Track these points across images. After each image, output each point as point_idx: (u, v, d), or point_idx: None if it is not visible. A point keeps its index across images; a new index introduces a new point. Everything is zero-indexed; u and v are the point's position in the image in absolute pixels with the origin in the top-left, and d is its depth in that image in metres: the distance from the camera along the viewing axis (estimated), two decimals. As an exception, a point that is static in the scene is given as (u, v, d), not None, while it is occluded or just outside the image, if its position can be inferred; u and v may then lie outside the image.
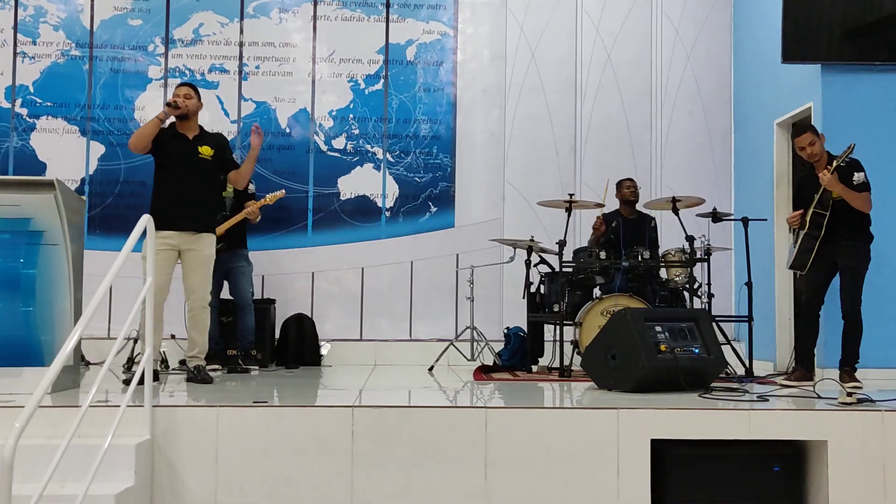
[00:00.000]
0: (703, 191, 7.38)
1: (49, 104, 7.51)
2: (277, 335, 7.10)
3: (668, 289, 6.23)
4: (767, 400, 4.38)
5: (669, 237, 6.77)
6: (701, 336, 5.02)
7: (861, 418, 3.98)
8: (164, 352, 6.09)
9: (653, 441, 3.91)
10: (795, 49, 6.29)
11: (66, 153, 7.46)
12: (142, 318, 4.82)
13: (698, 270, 6.18)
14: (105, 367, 3.47)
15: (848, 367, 5.22)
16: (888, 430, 3.94)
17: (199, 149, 5.23)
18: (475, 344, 6.70)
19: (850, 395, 4.26)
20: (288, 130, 7.65)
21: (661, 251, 6.42)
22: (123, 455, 3.55)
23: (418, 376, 6.01)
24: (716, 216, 6.24)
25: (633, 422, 3.91)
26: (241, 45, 7.66)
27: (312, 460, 3.84)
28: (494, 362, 6.47)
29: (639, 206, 6.81)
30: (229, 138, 7.19)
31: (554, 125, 7.79)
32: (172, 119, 5.21)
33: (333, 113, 7.70)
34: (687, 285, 6.09)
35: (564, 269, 6.11)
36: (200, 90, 7.40)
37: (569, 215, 6.27)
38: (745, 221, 6.19)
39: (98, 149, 7.50)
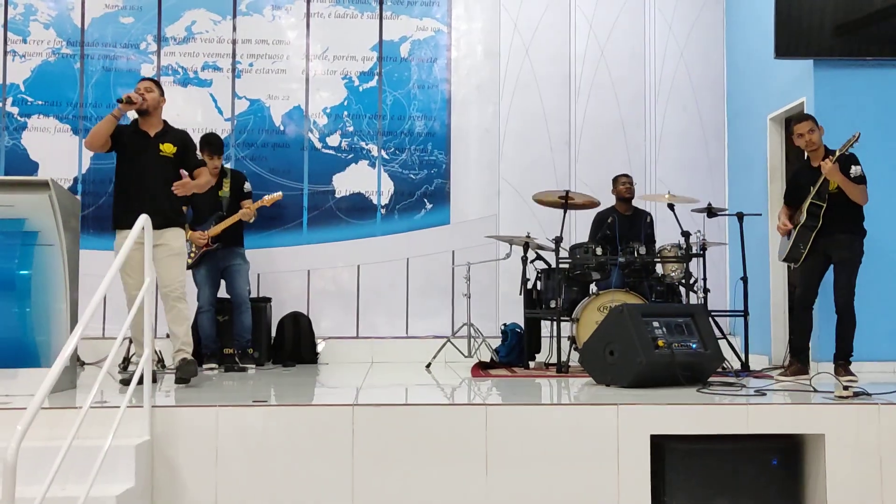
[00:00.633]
0: (698, 186, 7.42)
1: (40, 103, 7.46)
2: (273, 333, 7.09)
3: (664, 284, 6.25)
4: (765, 394, 4.40)
5: (665, 232, 6.79)
6: (698, 331, 5.04)
7: (857, 411, 4.00)
8: (159, 351, 6.07)
9: (652, 436, 3.93)
10: (788, 44, 6.32)
11: (59, 152, 7.42)
12: (136, 319, 4.79)
13: (694, 265, 6.20)
14: (105, 369, 3.47)
15: (842, 360, 5.26)
16: (884, 423, 3.96)
17: (161, 146, 5.08)
18: (472, 340, 6.71)
19: (846, 388, 4.29)
20: (282, 128, 7.63)
21: (656, 247, 6.43)
22: (123, 456, 3.55)
23: (416, 373, 6.01)
24: (711, 211, 6.26)
25: (632, 417, 3.92)
26: (234, 42, 7.64)
27: (313, 459, 3.84)
28: (492, 359, 6.48)
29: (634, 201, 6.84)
30: (223, 136, 7.20)
31: (548, 121, 7.79)
32: (136, 115, 5.09)
33: (328, 110, 7.69)
34: (683, 280, 6.10)
35: (561, 265, 6.12)
36: (193, 88, 7.50)
37: (565, 211, 6.28)
38: (741, 216, 6.21)
39: (91, 147, 7.46)
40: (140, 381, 3.81)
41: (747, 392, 4.47)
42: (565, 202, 6.29)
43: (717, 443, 4.01)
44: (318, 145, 7.66)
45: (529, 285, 6.49)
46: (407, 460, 3.86)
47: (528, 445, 3.88)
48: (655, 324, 4.94)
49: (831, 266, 5.33)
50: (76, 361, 5.24)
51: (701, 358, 4.93)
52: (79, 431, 3.09)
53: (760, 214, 6.81)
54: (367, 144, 7.69)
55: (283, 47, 7.70)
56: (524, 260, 6.37)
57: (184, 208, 5.59)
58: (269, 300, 7.14)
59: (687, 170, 7.81)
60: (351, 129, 7.69)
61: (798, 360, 5.37)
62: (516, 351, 6.45)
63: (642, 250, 6.16)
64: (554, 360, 6.02)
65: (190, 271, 6.09)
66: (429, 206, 7.69)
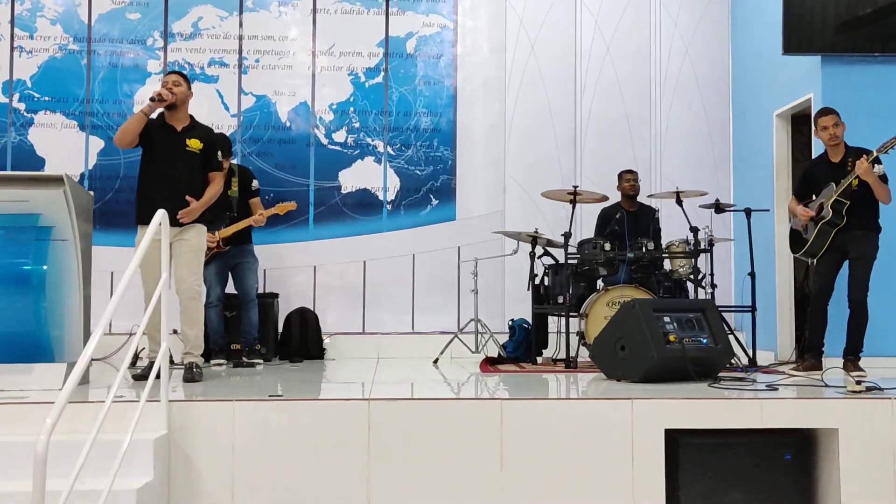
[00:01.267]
0: (703, 182, 7.43)
1: (47, 99, 7.46)
2: (280, 329, 7.10)
3: (672, 280, 6.26)
4: (777, 389, 4.42)
5: (671, 228, 6.81)
6: (708, 326, 5.06)
7: (871, 406, 4.02)
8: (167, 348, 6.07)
9: (666, 431, 3.95)
10: (796, 41, 6.33)
11: (65, 148, 7.41)
12: (152, 315, 4.80)
13: (701, 261, 6.22)
14: (125, 366, 3.49)
15: (852, 356, 5.29)
16: (898, 418, 3.99)
17: (188, 141, 5.04)
18: (479, 336, 6.72)
19: (858, 383, 4.31)
20: (288, 124, 7.64)
21: (664, 242, 6.45)
22: (143, 450, 3.56)
23: (423, 369, 6.03)
24: (718, 207, 6.28)
25: (647, 412, 3.94)
26: (240, 38, 7.63)
27: (329, 454, 3.86)
28: (499, 354, 6.49)
29: (640, 198, 6.86)
30: (228, 132, 7.22)
31: (554, 118, 7.80)
32: (161, 109, 5.05)
33: (334, 106, 7.69)
34: (691, 276, 6.12)
35: (569, 261, 6.14)
36: (199, 85, 7.49)
37: (573, 207, 6.30)
38: (748, 212, 6.23)
39: (97, 143, 7.46)
40: (157, 376, 3.81)
41: (759, 387, 4.49)
42: (574, 198, 6.31)
43: (730, 437, 4.03)
44: (324, 141, 7.66)
45: (537, 281, 6.50)
46: (422, 454, 3.87)
47: (544, 440, 3.90)
48: (666, 319, 4.95)
49: (846, 262, 5.35)
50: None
51: (712, 353, 4.95)
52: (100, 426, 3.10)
53: (768, 210, 6.84)
54: (372, 140, 7.70)
55: (290, 43, 7.69)
56: (532, 255, 6.39)
57: None
58: (276, 296, 7.14)
59: (692, 166, 7.82)
60: (357, 125, 7.69)
61: (812, 356, 5.38)
62: (524, 346, 6.46)
63: (650, 246, 6.18)
64: (561, 355, 6.04)
65: None
66: (435, 202, 7.70)
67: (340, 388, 5.14)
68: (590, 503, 3.87)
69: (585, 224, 7.35)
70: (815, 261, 5.46)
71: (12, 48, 7.44)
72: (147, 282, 4.85)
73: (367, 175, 7.68)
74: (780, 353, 6.81)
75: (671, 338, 4.83)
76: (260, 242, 7.08)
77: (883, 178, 5.26)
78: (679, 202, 6.29)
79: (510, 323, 6.69)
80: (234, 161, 7.05)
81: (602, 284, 6.41)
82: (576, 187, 6.36)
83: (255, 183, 6.57)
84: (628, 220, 6.42)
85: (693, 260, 6.10)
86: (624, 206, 6.76)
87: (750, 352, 6.02)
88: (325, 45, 7.72)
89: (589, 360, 5.55)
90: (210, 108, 7.53)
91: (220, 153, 5.21)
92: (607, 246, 6.16)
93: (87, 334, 4.60)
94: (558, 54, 7.86)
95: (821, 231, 5.35)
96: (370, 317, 7.59)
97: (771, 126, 7.08)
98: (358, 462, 3.86)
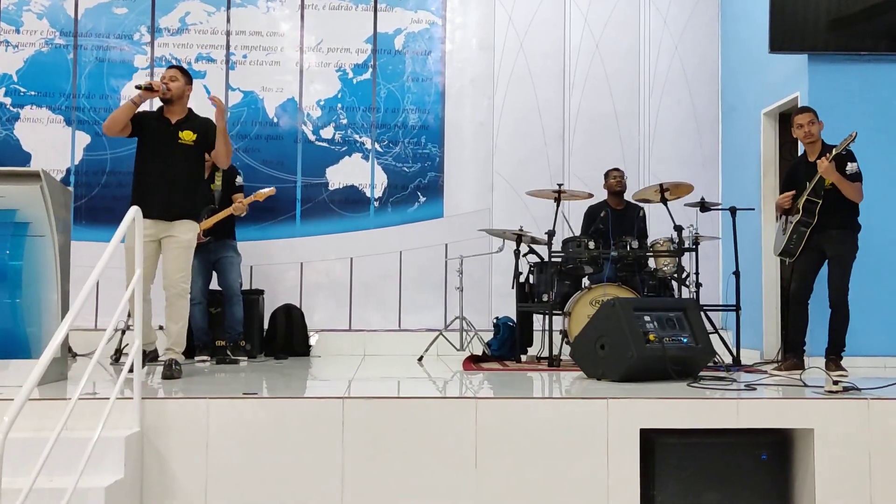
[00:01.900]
0: (691, 180, 7.31)
1: (33, 93, 7.44)
2: (266, 326, 7.08)
3: (656, 278, 6.25)
4: (755, 389, 4.41)
5: (657, 227, 6.80)
6: (689, 325, 5.05)
7: (847, 406, 4.01)
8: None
9: (642, 430, 3.93)
10: (782, 39, 6.31)
11: (52, 143, 7.40)
12: (131, 310, 4.84)
13: (686, 260, 6.20)
14: (94, 359, 3.45)
15: (834, 355, 5.27)
16: (874, 418, 3.98)
17: (180, 133, 5.07)
18: (464, 334, 6.71)
19: (836, 383, 4.30)
20: (276, 120, 7.62)
21: (649, 241, 6.44)
22: (113, 447, 3.54)
23: (408, 366, 6.01)
24: (704, 206, 6.26)
25: (622, 411, 3.92)
26: (227, 34, 7.61)
27: (303, 452, 3.84)
28: (484, 352, 6.48)
29: (627, 196, 6.84)
30: (216, 128, 7.18)
31: (542, 115, 7.79)
32: (155, 99, 5.10)
33: (321, 102, 7.67)
34: (675, 275, 6.11)
35: (553, 259, 6.12)
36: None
37: (558, 205, 6.28)
38: (733, 211, 6.22)
39: (84, 139, 7.44)
40: (130, 371, 3.80)
41: (738, 386, 4.48)
42: (558, 196, 6.29)
43: (706, 437, 4.01)
44: (312, 137, 7.65)
45: (522, 279, 6.49)
46: (397, 453, 3.86)
47: (518, 439, 3.88)
48: (647, 318, 4.94)
49: (825, 261, 5.34)
50: (67, 353, 5.23)
51: (692, 352, 4.94)
52: (68, 423, 3.08)
53: (753, 209, 6.83)
54: (360, 137, 7.68)
55: (277, 39, 7.68)
56: (517, 253, 6.37)
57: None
58: (261, 292, 7.13)
59: (681, 164, 7.80)
60: (345, 121, 7.67)
61: (794, 356, 5.37)
62: (508, 344, 6.45)
63: (635, 244, 6.17)
64: (546, 353, 6.02)
65: None
66: (422, 199, 7.68)
67: (319, 386, 5.13)
68: (563, 502, 3.86)
69: (573, 222, 7.33)
70: (792, 260, 5.44)
71: (-2, 42, 7.42)
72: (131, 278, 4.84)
73: (355, 172, 7.66)
74: (766, 353, 6.79)
75: (651, 337, 4.82)
76: (247, 239, 7.08)
77: (854, 177, 5.24)
78: (664, 200, 6.26)
79: (495, 321, 6.68)
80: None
81: (587, 283, 6.40)
82: (560, 185, 6.34)
83: (238, 179, 6.56)
84: (613, 219, 6.40)
85: (677, 259, 6.08)
86: (610, 205, 6.75)
87: (734, 351, 6.01)
88: (314, 41, 7.70)
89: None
90: (197, 104, 7.44)
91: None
92: (591, 244, 6.14)
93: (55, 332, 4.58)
94: (547, 51, 7.84)
95: (795, 230, 5.34)
96: (357, 314, 7.58)
97: (759, 124, 7.06)
98: (332, 460, 3.84)
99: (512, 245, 6.52)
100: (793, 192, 5.41)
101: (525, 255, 6.48)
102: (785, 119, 6.92)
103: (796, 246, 5.35)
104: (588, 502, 3.87)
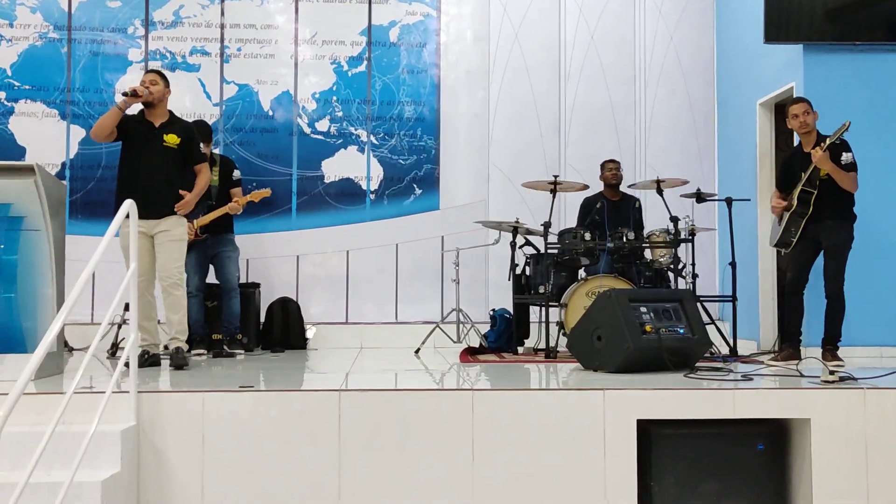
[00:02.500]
0: (687, 171, 7.40)
1: (27, 87, 7.41)
2: (262, 319, 7.08)
3: (652, 269, 6.25)
4: (752, 379, 4.41)
5: (654, 218, 6.80)
6: (685, 316, 5.05)
7: (843, 396, 4.02)
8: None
9: (639, 421, 3.94)
10: (778, 29, 6.30)
11: (46, 137, 7.37)
12: (139, 305, 4.89)
13: (683, 251, 6.20)
14: (89, 353, 3.45)
15: (830, 345, 5.27)
16: (870, 408, 3.98)
17: (165, 136, 5.20)
18: (461, 326, 6.71)
19: (832, 373, 4.30)
20: (271, 113, 7.59)
21: (645, 232, 6.43)
22: (109, 441, 3.54)
23: (405, 359, 6.02)
24: (700, 197, 6.26)
25: (619, 402, 3.93)
26: (222, 27, 7.58)
27: (300, 445, 3.84)
28: (480, 344, 6.48)
29: (622, 187, 6.84)
30: (211, 122, 7.18)
31: (538, 106, 7.77)
32: (139, 104, 5.20)
33: (316, 95, 7.65)
34: (671, 266, 6.11)
35: (549, 251, 6.12)
36: (181, 73, 7.46)
37: (553, 197, 6.28)
38: (729, 202, 6.21)
39: (78, 133, 7.41)
40: (126, 365, 3.79)
41: (734, 377, 4.48)
42: (554, 187, 6.29)
43: (703, 427, 4.01)
44: (307, 130, 7.63)
45: (518, 271, 6.49)
46: (394, 445, 3.86)
47: (515, 430, 3.88)
48: (643, 309, 4.94)
49: (821, 252, 5.34)
50: (63, 347, 5.22)
51: (688, 343, 4.94)
52: (65, 417, 3.08)
53: (749, 200, 6.82)
54: (356, 130, 7.66)
55: (272, 32, 7.65)
56: (513, 245, 6.37)
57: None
58: (257, 286, 7.12)
59: (676, 155, 7.80)
60: (340, 114, 7.66)
61: (790, 346, 5.38)
62: (505, 336, 6.45)
63: (631, 235, 6.16)
64: (542, 345, 6.02)
65: None
66: (418, 191, 7.67)
67: (316, 379, 5.12)
68: (561, 494, 3.87)
69: (569, 213, 7.34)
70: (788, 251, 5.44)
71: (-8, 36, 7.39)
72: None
73: (351, 164, 7.65)
74: (762, 343, 6.80)
75: (647, 328, 4.82)
76: (243, 232, 7.07)
77: (849, 167, 5.23)
78: (660, 192, 6.26)
79: (492, 313, 6.67)
80: (216, 150, 7.03)
81: (584, 274, 6.40)
82: (556, 177, 6.33)
83: (236, 173, 6.54)
84: (609, 210, 6.40)
85: (674, 250, 6.08)
86: (606, 196, 6.74)
87: (731, 341, 6.01)
88: (308, 33, 7.67)
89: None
90: (192, 97, 7.50)
91: (201, 145, 5.37)
92: (587, 235, 6.14)
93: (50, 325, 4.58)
94: (542, 42, 7.82)
95: (790, 221, 5.34)
96: (353, 307, 7.58)
97: (754, 115, 7.05)
98: (329, 453, 3.84)
99: (508, 237, 6.52)
100: (784, 203, 5.41)
101: (521, 246, 6.48)
102: (780, 109, 6.90)
103: (792, 237, 5.35)
104: (585, 493, 3.87)
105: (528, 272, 6.54)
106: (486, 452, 3.86)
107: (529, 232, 6.52)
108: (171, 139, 5.21)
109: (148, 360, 5.06)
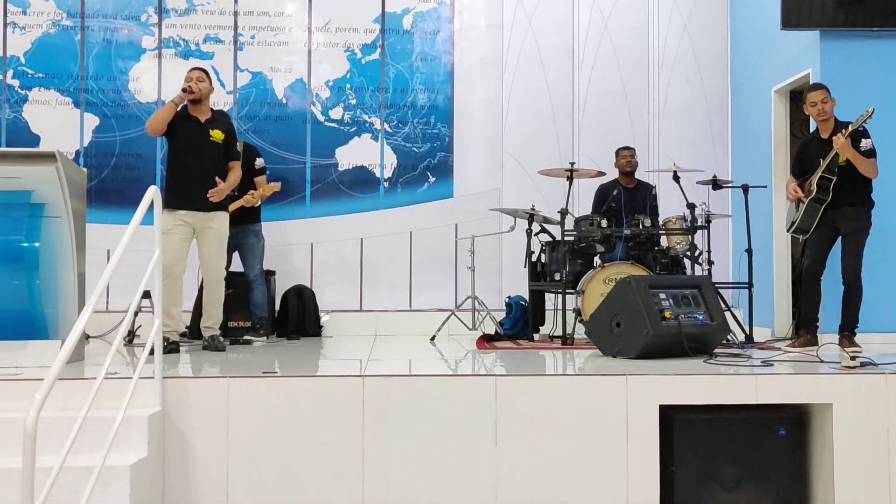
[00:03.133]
0: (701, 158, 7.40)
1: (41, 75, 7.41)
2: (277, 307, 7.09)
3: (668, 256, 6.24)
4: (772, 365, 4.42)
5: (669, 205, 6.79)
6: (704, 302, 5.05)
7: (865, 381, 4.02)
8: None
9: (661, 406, 3.95)
10: (794, 15, 6.28)
11: (60, 125, 7.38)
12: (164, 290, 4.97)
13: (699, 238, 6.20)
14: (118, 341, 3.47)
15: (847, 331, 5.27)
16: (892, 393, 3.99)
17: (211, 132, 5.43)
18: (476, 313, 6.72)
19: (853, 358, 4.31)
20: (284, 101, 7.59)
21: (661, 219, 6.43)
22: (136, 427, 3.56)
23: (420, 346, 6.03)
24: (716, 184, 6.25)
25: (641, 388, 3.94)
26: (235, 14, 7.57)
27: (323, 430, 3.86)
28: (496, 331, 6.49)
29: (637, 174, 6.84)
30: (225, 108, 7.17)
31: (552, 94, 7.76)
32: (185, 102, 5.39)
33: (330, 83, 7.64)
34: (687, 252, 6.11)
35: (566, 238, 6.12)
36: (195, 61, 7.44)
37: (570, 184, 6.27)
38: (746, 188, 6.20)
39: (92, 121, 7.42)
40: (151, 353, 3.81)
41: (754, 363, 4.49)
42: (570, 175, 6.28)
43: (725, 413, 4.03)
44: (321, 118, 7.62)
45: (533, 258, 6.49)
46: (416, 431, 3.87)
47: (538, 416, 3.90)
48: (662, 295, 4.94)
49: (839, 238, 5.33)
50: (83, 334, 5.24)
51: (708, 329, 4.95)
52: (93, 403, 3.09)
53: (765, 186, 6.81)
54: (369, 117, 7.66)
55: (285, 19, 7.64)
56: (528, 233, 6.37)
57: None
58: (272, 273, 7.13)
59: (690, 142, 7.79)
60: (353, 101, 7.65)
61: (807, 332, 5.38)
62: (521, 323, 6.46)
63: (647, 222, 6.16)
64: (558, 332, 6.03)
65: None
66: (432, 179, 7.67)
67: (335, 365, 5.14)
68: (584, 478, 3.88)
69: (583, 200, 7.33)
70: (805, 237, 5.44)
71: (5, 24, 7.38)
72: (168, 265, 5.14)
73: (364, 152, 7.65)
74: (777, 330, 6.81)
75: (667, 314, 4.83)
76: (257, 220, 7.06)
77: (869, 153, 5.22)
78: (676, 179, 6.25)
79: (507, 300, 6.68)
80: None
81: (599, 261, 6.40)
82: (573, 164, 6.33)
83: (259, 161, 6.53)
84: (625, 197, 6.39)
85: (690, 236, 6.08)
86: (621, 183, 6.73)
87: (747, 328, 6.02)
88: (321, 21, 7.66)
89: (585, 336, 5.55)
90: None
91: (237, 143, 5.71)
92: (604, 223, 6.14)
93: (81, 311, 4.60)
94: (555, 29, 7.80)
95: (809, 208, 5.33)
96: (368, 294, 7.59)
97: (769, 102, 7.03)
98: (352, 438, 3.86)
99: (523, 224, 6.52)
100: (801, 192, 5.39)
101: (537, 234, 6.48)
102: (796, 96, 6.90)
103: (810, 223, 5.34)
104: (608, 478, 3.89)
105: (543, 259, 6.54)
106: (509, 437, 3.88)
107: (545, 219, 6.52)
108: (217, 134, 5.45)
109: (168, 346, 5.09)
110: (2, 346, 4.35)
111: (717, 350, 4.95)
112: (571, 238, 6.22)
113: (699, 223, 6.07)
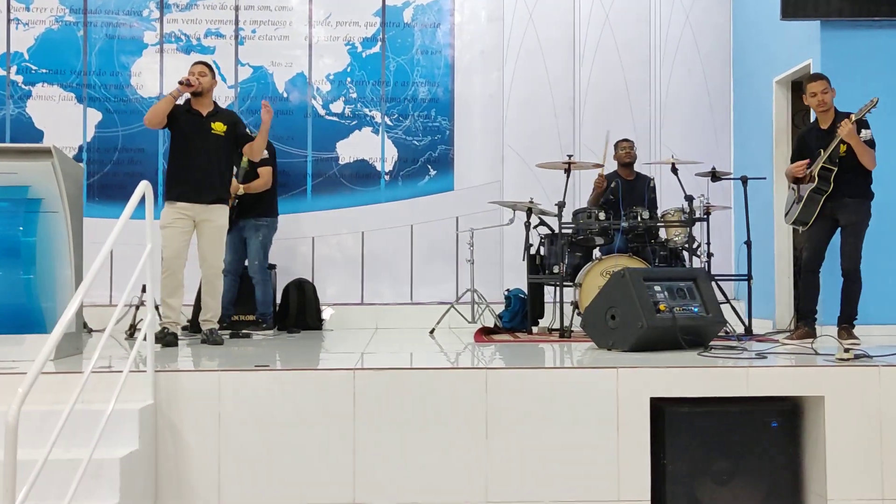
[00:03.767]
0: (703, 150, 7.38)
1: (44, 71, 7.46)
2: (279, 300, 7.12)
3: (667, 248, 6.23)
4: (766, 357, 4.40)
5: (669, 197, 6.77)
6: (700, 295, 5.04)
7: (858, 374, 4.00)
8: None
9: (652, 399, 3.95)
10: (795, 5, 6.23)
11: (63, 120, 7.43)
12: (164, 283, 5.22)
13: (698, 230, 6.19)
14: (106, 333, 3.50)
15: (846, 324, 5.26)
16: (885, 385, 3.97)
17: (212, 125, 5.45)
18: (476, 306, 6.72)
19: (847, 350, 4.29)
20: (285, 95, 7.61)
21: (660, 211, 6.42)
22: (127, 420, 3.59)
23: (420, 339, 6.04)
24: (715, 175, 6.23)
25: (632, 380, 3.94)
26: (236, 9, 7.60)
27: (315, 423, 3.88)
28: (495, 324, 6.50)
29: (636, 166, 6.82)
30: (227, 104, 7.21)
31: (552, 86, 7.74)
32: (188, 96, 5.42)
33: (331, 77, 7.66)
34: (686, 245, 6.09)
35: (564, 231, 6.12)
36: (196, 56, 7.46)
37: (568, 176, 6.27)
38: (745, 180, 6.18)
39: (95, 116, 7.47)
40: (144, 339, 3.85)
41: (748, 355, 4.48)
42: (569, 167, 6.27)
43: (717, 405, 4.02)
44: (322, 112, 7.64)
45: (533, 251, 6.49)
46: (408, 424, 3.89)
47: (528, 409, 3.90)
48: (657, 288, 4.93)
49: (838, 230, 5.31)
50: (81, 328, 5.29)
51: (703, 322, 4.94)
52: (83, 396, 3.13)
53: (765, 178, 6.79)
54: (370, 111, 7.67)
55: (286, 13, 7.65)
56: (527, 226, 6.36)
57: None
58: (273, 267, 7.16)
59: (692, 134, 7.76)
60: (354, 95, 7.66)
61: (805, 325, 5.36)
62: (519, 316, 6.46)
63: (645, 215, 6.15)
64: (557, 325, 6.03)
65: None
66: (432, 172, 7.68)
67: (331, 358, 5.16)
68: (574, 472, 3.89)
69: (583, 193, 7.32)
70: (805, 229, 5.41)
71: (9, 20, 7.43)
72: (169, 259, 5.30)
73: (365, 146, 7.66)
74: (778, 322, 6.78)
75: (661, 307, 4.81)
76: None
77: (869, 143, 5.19)
78: (674, 171, 6.24)
79: (506, 293, 6.68)
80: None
81: (598, 254, 6.39)
82: (570, 157, 6.32)
83: (266, 153, 6.54)
84: (624, 189, 6.38)
85: (688, 229, 6.06)
86: (620, 175, 6.72)
87: (746, 320, 6.00)
88: (322, 14, 7.67)
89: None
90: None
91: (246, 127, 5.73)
92: (602, 215, 6.13)
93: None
94: (557, 22, 7.78)
95: (809, 199, 5.30)
96: (369, 287, 7.61)
97: (770, 92, 7.00)
98: (344, 431, 3.88)
99: (522, 217, 6.51)
100: (807, 160, 5.36)
101: (536, 226, 6.47)
102: (797, 87, 6.85)
103: (810, 215, 5.31)
104: (599, 471, 3.89)
105: (542, 252, 6.54)
106: (500, 430, 3.89)
107: (544, 212, 6.51)
108: (218, 127, 5.46)
109: (167, 338, 5.12)
110: (-1, 341, 4.39)
111: (713, 342, 4.94)
112: (570, 231, 6.21)
113: (698, 215, 6.05)
